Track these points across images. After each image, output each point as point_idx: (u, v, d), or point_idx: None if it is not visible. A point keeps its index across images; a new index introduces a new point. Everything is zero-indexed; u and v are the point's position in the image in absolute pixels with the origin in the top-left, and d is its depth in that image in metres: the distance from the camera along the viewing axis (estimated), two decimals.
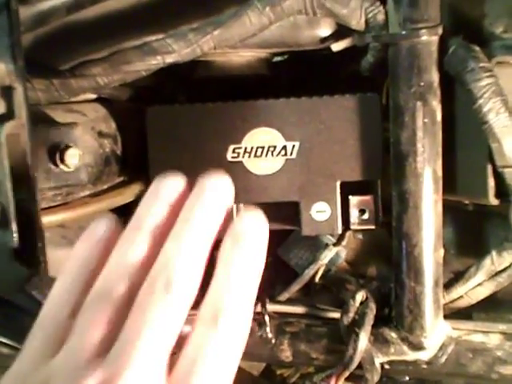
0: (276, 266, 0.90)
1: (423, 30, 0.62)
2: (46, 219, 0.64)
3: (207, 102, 0.73)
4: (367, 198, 0.73)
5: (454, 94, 0.66)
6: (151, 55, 0.65)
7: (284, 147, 0.72)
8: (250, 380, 0.86)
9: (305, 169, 0.72)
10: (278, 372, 0.72)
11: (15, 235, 0.56)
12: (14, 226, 0.56)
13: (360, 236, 0.85)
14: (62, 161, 0.64)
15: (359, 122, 0.71)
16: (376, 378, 0.68)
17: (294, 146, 0.72)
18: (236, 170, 0.73)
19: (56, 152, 0.64)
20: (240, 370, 0.37)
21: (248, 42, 0.69)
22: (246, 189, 0.73)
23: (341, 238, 0.79)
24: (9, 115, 0.56)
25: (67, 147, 0.64)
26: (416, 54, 0.63)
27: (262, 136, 0.72)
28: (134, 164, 0.78)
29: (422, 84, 0.63)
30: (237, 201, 0.72)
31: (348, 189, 0.73)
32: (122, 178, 0.78)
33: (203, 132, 0.73)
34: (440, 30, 0.63)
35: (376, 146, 0.71)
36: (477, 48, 0.62)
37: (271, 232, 0.76)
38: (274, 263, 0.91)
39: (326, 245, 0.80)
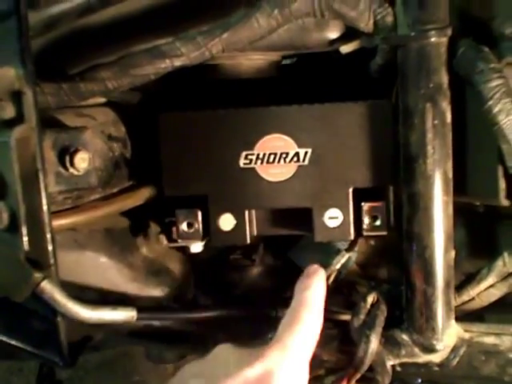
0: (287, 269, 0.90)
1: (432, 32, 0.62)
2: (57, 223, 0.64)
3: (216, 105, 0.73)
4: (379, 204, 0.72)
5: (463, 95, 0.66)
6: (160, 58, 0.64)
7: (296, 154, 0.72)
8: None
9: (317, 175, 0.72)
10: None
11: (25, 239, 0.57)
12: (24, 230, 0.56)
13: (372, 242, 0.84)
14: (72, 164, 0.64)
15: (371, 128, 0.70)
16: (387, 380, 0.68)
17: (306, 152, 0.72)
18: (248, 177, 0.73)
19: (66, 155, 0.64)
20: None
21: (256, 45, 0.68)
22: (259, 195, 0.73)
23: (353, 244, 0.78)
24: (18, 119, 0.57)
25: (77, 151, 0.64)
26: (425, 55, 0.62)
27: (274, 142, 0.72)
28: (144, 168, 0.78)
29: (432, 85, 0.63)
30: (249, 207, 0.73)
31: (360, 194, 0.72)
32: (131, 182, 0.78)
33: (215, 138, 0.73)
34: (449, 32, 0.62)
35: (388, 151, 0.70)
36: (486, 49, 0.62)
37: (282, 236, 0.76)
38: (285, 266, 0.91)
39: (339, 250, 0.79)
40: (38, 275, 0.58)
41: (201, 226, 0.75)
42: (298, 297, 0.65)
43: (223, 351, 0.61)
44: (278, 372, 0.56)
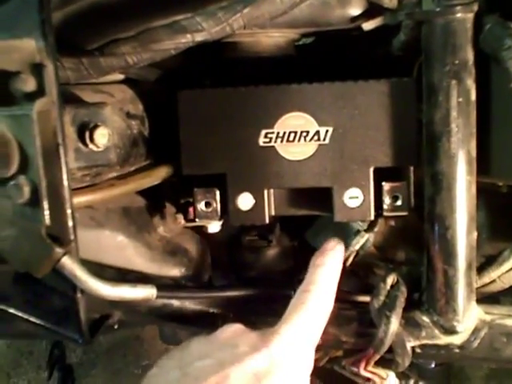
0: (304, 250, 0.89)
1: (458, 7, 0.61)
2: (75, 200, 0.64)
3: (234, 83, 0.72)
4: (400, 184, 0.71)
5: (488, 72, 0.65)
6: (181, 33, 0.64)
7: (317, 132, 0.71)
8: None
9: (338, 154, 0.71)
10: None
11: (46, 213, 0.56)
12: (46, 204, 0.56)
13: (392, 222, 0.84)
14: (92, 140, 0.63)
15: (394, 106, 0.69)
16: (407, 362, 0.68)
17: (327, 131, 0.71)
18: (268, 155, 0.72)
19: (85, 131, 0.63)
20: None
21: (277, 22, 0.68)
22: (278, 174, 0.72)
23: (373, 224, 0.77)
24: (39, 92, 0.56)
25: (96, 126, 0.63)
26: (451, 31, 0.61)
27: (294, 121, 0.71)
28: (161, 146, 0.77)
29: (457, 62, 0.62)
30: (268, 186, 0.72)
31: (380, 174, 0.71)
32: (148, 161, 0.77)
33: (235, 116, 0.72)
34: (475, 7, 0.61)
35: (411, 131, 0.69)
36: None
37: (299, 217, 0.76)
38: (301, 248, 0.91)
39: (357, 231, 0.79)
40: (58, 250, 0.57)
41: (219, 205, 0.74)
42: (310, 275, 0.65)
43: (231, 332, 0.61)
44: (282, 360, 0.57)
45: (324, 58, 0.83)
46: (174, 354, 0.61)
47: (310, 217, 0.85)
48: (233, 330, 0.62)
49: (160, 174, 0.75)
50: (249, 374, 0.55)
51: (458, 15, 0.61)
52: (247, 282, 0.87)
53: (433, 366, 1.10)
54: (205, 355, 0.58)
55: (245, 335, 0.61)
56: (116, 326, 0.74)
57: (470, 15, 0.62)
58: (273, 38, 0.76)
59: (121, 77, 0.75)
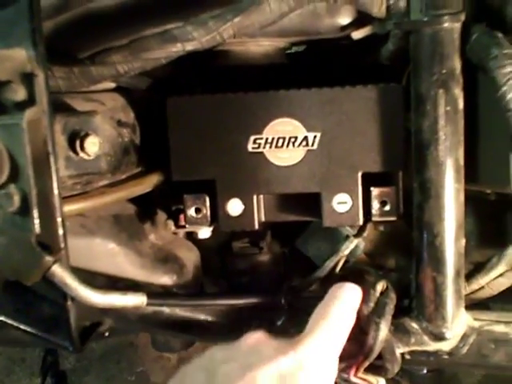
0: (294, 257, 0.90)
1: (446, 17, 0.61)
2: (66, 208, 0.64)
3: (225, 91, 0.73)
4: (389, 189, 0.72)
5: (476, 81, 0.66)
6: (171, 42, 0.64)
7: (305, 138, 0.71)
8: None
9: (326, 160, 0.71)
10: None
11: (36, 222, 0.56)
12: (36, 213, 0.56)
13: (381, 228, 0.84)
14: (82, 148, 0.64)
15: (381, 112, 0.70)
16: (396, 368, 0.68)
17: (315, 136, 0.71)
18: (257, 161, 0.72)
19: (76, 140, 0.64)
20: None
21: (267, 31, 0.68)
22: (267, 180, 0.72)
23: (362, 229, 0.78)
24: (30, 102, 0.56)
25: (87, 135, 0.64)
26: (438, 40, 0.62)
27: (283, 127, 0.71)
28: (152, 154, 0.78)
29: (444, 71, 0.62)
30: (258, 192, 0.73)
31: (369, 180, 0.72)
32: (139, 169, 0.78)
33: (224, 122, 0.72)
34: (463, 17, 0.62)
35: (398, 136, 0.70)
36: (500, 35, 0.62)
37: (290, 223, 0.76)
38: (292, 255, 0.91)
39: (347, 236, 0.79)
40: (48, 259, 0.57)
41: (209, 211, 0.74)
42: (332, 292, 0.64)
43: (255, 339, 0.60)
44: (309, 365, 0.56)
45: (314, 66, 0.84)
46: (196, 361, 0.59)
47: (301, 224, 0.86)
48: (257, 337, 0.60)
49: (151, 182, 0.76)
50: (275, 376, 0.54)
51: (446, 25, 0.62)
52: (238, 288, 0.88)
53: (424, 371, 1.11)
54: (230, 359, 0.57)
55: (269, 342, 0.60)
56: (107, 334, 0.74)
57: (458, 25, 0.62)
58: (263, 47, 0.77)
59: (112, 85, 0.75)
